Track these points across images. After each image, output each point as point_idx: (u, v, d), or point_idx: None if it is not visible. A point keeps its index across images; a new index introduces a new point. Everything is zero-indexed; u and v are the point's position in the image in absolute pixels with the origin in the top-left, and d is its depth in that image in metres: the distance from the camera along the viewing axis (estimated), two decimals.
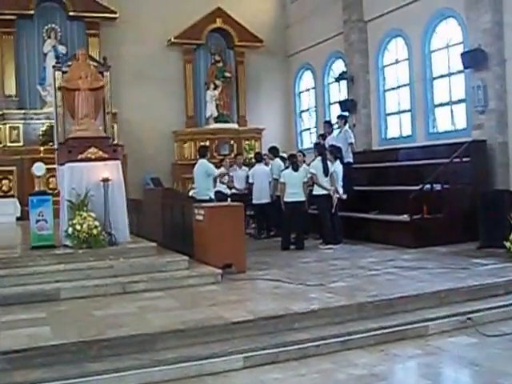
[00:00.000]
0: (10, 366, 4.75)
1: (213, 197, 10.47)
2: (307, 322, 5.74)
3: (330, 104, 17.11)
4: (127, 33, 16.39)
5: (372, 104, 14.91)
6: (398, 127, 14.35)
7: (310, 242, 10.74)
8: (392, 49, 14.50)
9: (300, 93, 18.76)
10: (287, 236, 10.57)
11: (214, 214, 8.25)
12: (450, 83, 12.67)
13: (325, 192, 10.49)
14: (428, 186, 10.20)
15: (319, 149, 10.95)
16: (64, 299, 6.72)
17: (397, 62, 14.31)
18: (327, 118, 15.45)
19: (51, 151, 11.54)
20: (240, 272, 7.98)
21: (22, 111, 15.54)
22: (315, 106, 17.83)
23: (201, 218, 8.37)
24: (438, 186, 10.23)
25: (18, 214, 13.93)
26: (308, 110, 18.44)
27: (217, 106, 17.37)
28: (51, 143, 12.66)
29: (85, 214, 7.91)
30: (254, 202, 12.10)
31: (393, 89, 14.50)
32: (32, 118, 15.61)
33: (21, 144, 15.36)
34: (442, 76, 12.94)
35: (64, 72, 9.10)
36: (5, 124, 15.32)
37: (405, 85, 13.96)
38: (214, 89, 17.36)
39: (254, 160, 13.51)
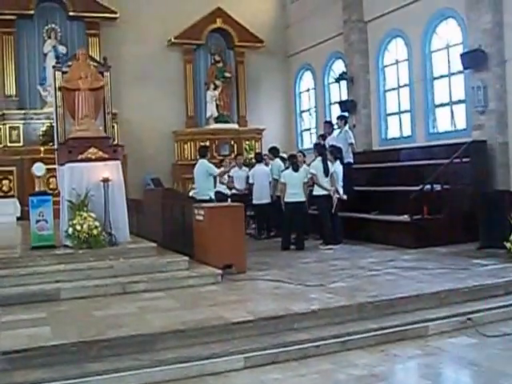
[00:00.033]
0: (10, 366, 4.76)
1: (213, 197, 10.47)
2: (307, 323, 5.74)
3: (330, 104, 17.11)
4: (127, 33, 16.39)
5: (372, 104, 14.91)
6: (398, 127, 14.35)
7: (310, 243, 10.74)
8: (392, 49, 14.50)
9: (300, 93, 18.76)
10: (287, 236, 10.57)
11: (214, 215, 8.25)
12: (450, 84, 12.67)
13: (325, 192, 10.50)
14: (428, 186, 10.21)
15: (319, 149, 10.95)
16: (64, 299, 6.72)
17: (397, 62, 14.31)
18: (327, 119, 15.45)
19: (51, 151, 11.54)
20: (240, 272, 7.98)
21: (22, 111, 15.54)
22: (315, 107, 17.83)
23: (201, 218, 8.38)
24: (438, 187, 10.23)
25: (18, 214, 13.94)
26: (308, 110, 18.44)
27: (217, 106, 17.38)
28: (51, 143, 12.65)
29: (85, 215, 7.91)
30: (255, 202, 12.10)
31: (393, 89, 14.50)
32: (32, 118, 15.62)
33: (21, 144, 15.37)
34: (442, 76, 12.94)
35: (64, 72, 9.11)
36: (5, 124, 15.32)
37: (405, 85, 13.97)
38: (214, 89, 17.36)
39: (254, 160, 13.51)
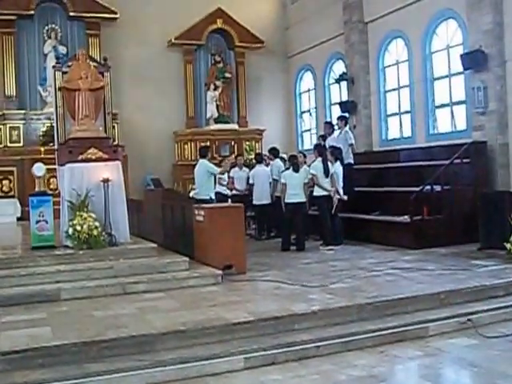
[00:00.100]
0: (10, 367, 4.76)
1: (213, 197, 10.46)
2: (307, 323, 5.75)
3: (330, 105, 17.11)
4: (128, 33, 16.38)
5: (372, 105, 14.91)
6: (399, 128, 14.35)
7: (310, 243, 10.73)
8: (392, 50, 14.50)
9: (300, 93, 18.75)
10: (287, 237, 10.57)
11: (215, 215, 8.25)
12: (451, 84, 12.67)
13: (325, 193, 10.50)
14: (428, 187, 10.21)
15: (319, 150, 10.95)
16: (64, 300, 6.73)
17: (397, 63, 14.31)
18: (328, 119, 15.45)
19: (51, 152, 11.53)
20: (240, 273, 7.98)
21: (23, 111, 15.54)
22: (315, 107, 17.83)
23: (201, 218, 8.38)
24: (438, 188, 10.23)
25: (19, 215, 13.95)
26: (308, 110, 18.44)
27: (217, 106, 17.37)
28: (51, 144, 12.65)
29: (85, 215, 7.92)
30: (255, 202, 12.10)
31: (393, 90, 14.50)
32: (32, 119, 15.62)
33: (21, 144, 15.35)
34: (442, 77, 12.94)
35: (64, 72, 9.12)
36: (5, 124, 15.31)
37: (405, 86, 13.97)
38: (215, 89, 17.35)
39: (254, 161, 13.51)
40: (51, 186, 13.24)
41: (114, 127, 11.65)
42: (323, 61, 16.93)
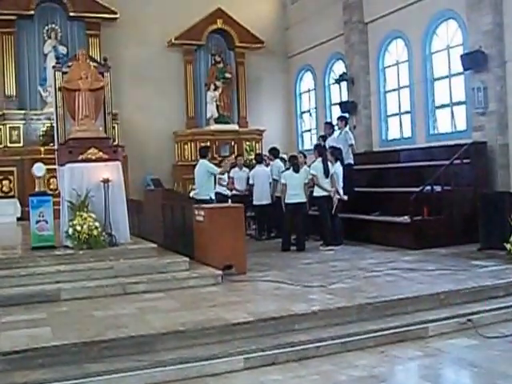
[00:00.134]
0: (10, 367, 4.76)
1: (213, 197, 10.46)
2: (307, 324, 5.75)
3: (330, 105, 17.11)
4: (128, 33, 16.38)
5: (372, 105, 14.91)
6: (399, 129, 14.35)
7: (310, 244, 10.73)
8: (392, 50, 14.50)
9: (300, 94, 18.75)
10: (288, 237, 10.57)
11: (215, 215, 8.25)
12: (451, 85, 12.67)
13: (325, 193, 10.51)
14: (428, 187, 10.21)
15: (320, 150, 10.96)
16: (64, 300, 6.73)
17: (397, 63, 14.31)
18: (328, 120, 15.46)
19: (51, 152, 11.54)
20: (240, 273, 7.98)
21: (23, 112, 15.54)
22: (315, 107, 17.84)
23: (201, 219, 8.38)
24: (438, 188, 10.24)
25: (19, 215, 13.95)
26: (308, 111, 18.44)
27: (217, 106, 17.36)
28: (51, 144, 12.65)
29: (85, 215, 7.92)
30: (255, 203, 12.10)
31: (393, 90, 14.50)
32: (32, 119, 15.62)
33: (21, 144, 15.35)
34: (442, 77, 12.94)
35: (64, 72, 9.12)
36: (5, 124, 15.31)
37: (405, 86, 13.97)
38: (215, 90, 17.35)
39: (254, 161, 13.51)
40: (51, 186, 13.25)
41: (114, 127, 11.62)
42: (323, 61, 16.93)
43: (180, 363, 4.95)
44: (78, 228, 7.80)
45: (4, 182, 14.75)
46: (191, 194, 11.58)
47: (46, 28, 16.09)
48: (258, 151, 16.32)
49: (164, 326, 5.49)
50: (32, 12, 15.56)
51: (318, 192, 10.60)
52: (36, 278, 7.08)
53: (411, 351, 5.42)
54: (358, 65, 14.93)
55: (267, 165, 12.52)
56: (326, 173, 10.50)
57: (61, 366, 4.81)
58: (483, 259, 8.51)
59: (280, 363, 5.15)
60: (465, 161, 10.65)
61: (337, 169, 10.67)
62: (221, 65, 17.77)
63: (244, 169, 13.03)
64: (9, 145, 15.30)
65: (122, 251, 7.99)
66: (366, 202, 11.32)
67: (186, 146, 16.98)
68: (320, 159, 10.67)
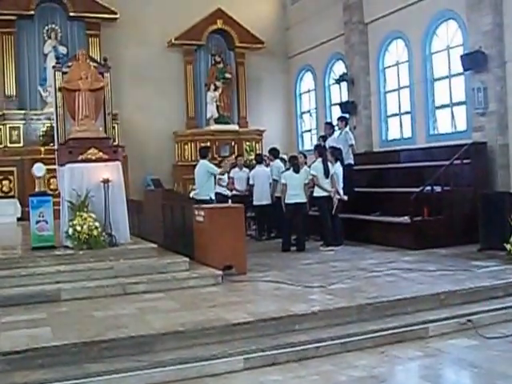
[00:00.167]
0: (10, 367, 4.76)
1: (213, 197, 10.46)
2: (307, 324, 5.74)
3: (330, 105, 17.11)
4: (128, 33, 16.38)
5: (372, 106, 14.91)
6: (399, 129, 14.35)
7: (310, 244, 10.73)
8: (392, 50, 14.50)
9: (301, 94, 18.75)
10: (288, 237, 10.57)
11: (215, 216, 8.25)
12: (451, 85, 12.67)
13: (325, 194, 10.51)
14: (428, 187, 10.21)
15: (320, 150, 10.95)
16: (64, 300, 6.73)
17: (397, 63, 14.31)
18: (328, 120, 15.45)
19: (51, 152, 11.54)
20: (240, 273, 7.98)
21: (23, 112, 15.54)
22: (316, 108, 17.84)
23: (201, 219, 8.37)
24: (438, 188, 10.24)
25: (19, 215, 13.95)
26: (309, 111, 18.44)
27: (217, 107, 17.35)
28: (51, 144, 12.65)
29: (85, 215, 7.92)
30: (255, 203, 12.10)
31: (393, 90, 14.50)
32: (32, 119, 15.62)
33: (21, 145, 15.35)
34: (442, 78, 12.94)
35: (64, 73, 9.12)
36: (5, 124, 15.31)
37: (405, 86, 13.97)
38: (215, 90, 17.34)
39: (254, 161, 13.51)
40: (51, 187, 13.24)
41: (114, 127, 11.63)
42: (323, 61, 16.93)
43: (180, 363, 4.95)
44: (78, 228, 7.80)
45: (4, 182, 14.75)
46: (191, 195, 11.57)
47: (46, 28, 16.09)
48: (258, 151, 16.32)
49: (164, 326, 5.49)
50: (32, 12, 15.56)
51: (318, 192, 10.59)
52: (36, 278, 7.08)
53: (411, 351, 5.42)
54: (358, 65, 14.93)
55: (267, 165, 12.52)
56: (326, 173, 10.50)
57: (61, 366, 4.81)
58: (483, 259, 8.51)
59: (280, 363, 5.15)
60: (465, 161, 10.65)
61: (337, 169, 10.67)
62: (221, 65, 17.77)
63: (244, 169, 13.03)
64: (9, 145, 15.30)
65: (122, 251, 7.99)
66: (366, 202, 11.33)
67: (186, 146, 16.98)
68: (320, 159, 10.67)
